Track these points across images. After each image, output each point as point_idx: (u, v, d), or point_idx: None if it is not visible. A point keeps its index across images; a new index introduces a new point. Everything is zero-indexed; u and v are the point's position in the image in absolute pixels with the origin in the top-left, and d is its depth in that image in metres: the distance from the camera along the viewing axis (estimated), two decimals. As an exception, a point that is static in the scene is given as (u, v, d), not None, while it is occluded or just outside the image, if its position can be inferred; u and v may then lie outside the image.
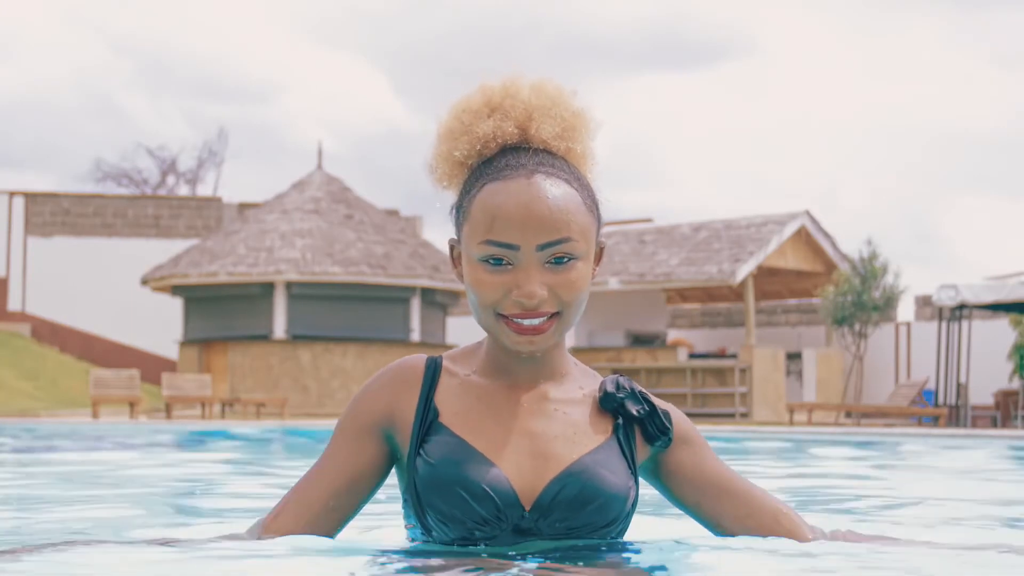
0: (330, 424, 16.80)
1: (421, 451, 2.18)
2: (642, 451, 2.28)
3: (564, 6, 64.88)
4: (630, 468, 2.23)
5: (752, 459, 8.74)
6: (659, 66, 70.89)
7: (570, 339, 25.84)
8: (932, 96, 66.10)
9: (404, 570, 2.11)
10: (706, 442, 2.34)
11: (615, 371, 22.66)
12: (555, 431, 2.20)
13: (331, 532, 2.25)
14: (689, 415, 18.74)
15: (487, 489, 2.13)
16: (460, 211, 2.20)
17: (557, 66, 68.50)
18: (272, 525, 2.24)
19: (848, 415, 23.74)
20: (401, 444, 2.24)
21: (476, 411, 2.21)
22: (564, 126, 2.22)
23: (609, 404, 2.24)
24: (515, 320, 2.12)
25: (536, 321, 2.12)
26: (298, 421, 18.59)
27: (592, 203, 2.20)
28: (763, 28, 66.41)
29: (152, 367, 30.45)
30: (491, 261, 2.12)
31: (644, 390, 2.29)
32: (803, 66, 68.70)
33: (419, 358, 2.27)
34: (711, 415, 22.95)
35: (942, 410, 19.80)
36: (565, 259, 2.12)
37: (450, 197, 2.27)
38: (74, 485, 5.42)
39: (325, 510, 2.22)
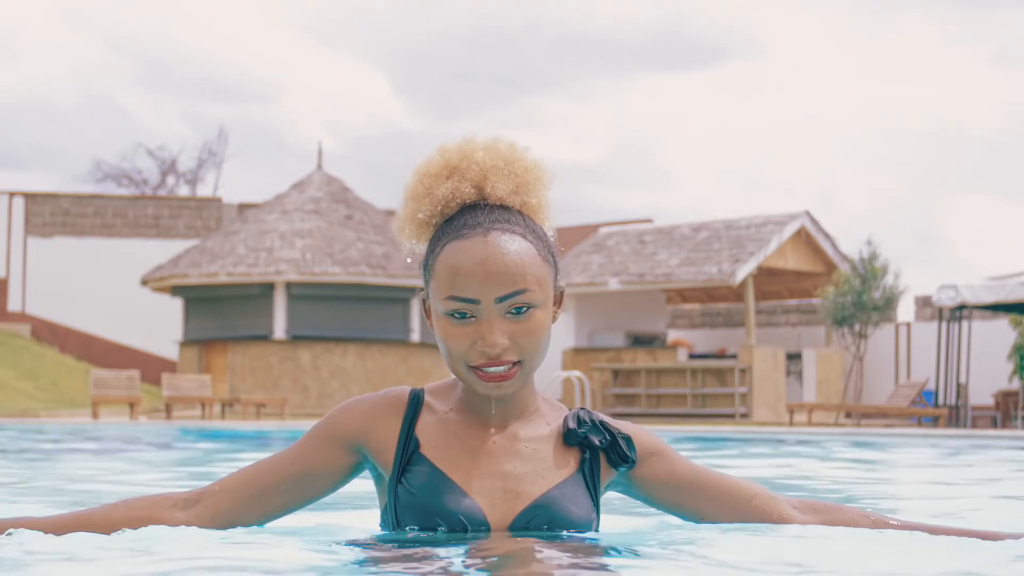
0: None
1: (403, 479, 2.35)
2: (608, 475, 2.46)
3: (564, 6, 64.90)
4: (592, 499, 2.41)
5: (751, 459, 8.75)
6: (659, 66, 70.89)
7: (571, 339, 25.85)
8: (932, 96, 66.11)
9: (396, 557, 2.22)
10: (672, 449, 2.51)
11: (615, 372, 22.51)
12: (524, 469, 2.37)
13: (274, 512, 2.43)
14: (689, 415, 18.69)
15: (462, 519, 2.30)
16: (427, 269, 2.37)
17: (557, 66, 68.45)
18: (221, 484, 2.42)
19: (848, 415, 23.74)
20: (381, 466, 2.40)
21: (453, 447, 2.37)
22: (518, 182, 2.38)
23: (572, 440, 2.42)
24: (483, 369, 2.28)
25: (501, 369, 2.28)
26: (298, 421, 18.59)
27: (547, 252, 2.36)
28: (763, 28, 66.43)
29: (152, 367, 30.46)
30: (456, 315, 2.28)
31: (605, 419, 2.46)
32: (803, 66, 68.71)
33: (403, 390, 2.44)
34: (711, 415, 22.96)
35: (942, 410, 19.80)
36: (524, 308, 2.28)
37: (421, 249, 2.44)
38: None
39: (275, 490, 2.40)
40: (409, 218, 2.40)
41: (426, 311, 2.39)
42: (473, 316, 2.27)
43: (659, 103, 71.75)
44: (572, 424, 2.42)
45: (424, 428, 2.38)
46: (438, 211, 2.36)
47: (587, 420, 2.43)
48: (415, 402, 2.41)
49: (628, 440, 2.44)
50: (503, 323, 2.26)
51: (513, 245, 2.29)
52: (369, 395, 2.44)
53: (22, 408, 23.82)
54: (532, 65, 68.23)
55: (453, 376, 2.41)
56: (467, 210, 2.35)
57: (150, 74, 65.19)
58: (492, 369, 2.27)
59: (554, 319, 2.35)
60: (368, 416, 2.39)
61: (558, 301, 2.40)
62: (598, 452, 2.43)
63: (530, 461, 2.37)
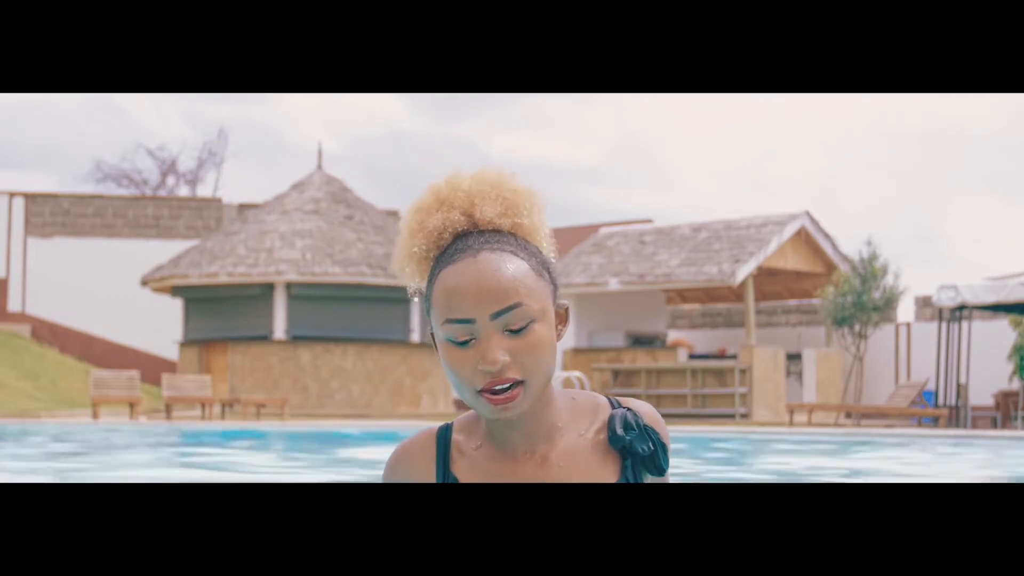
0: (329, 425, 16.87)
1: None
2: (647, 477, 2.49)
3: (564, 7, 64.63)
4: None
5: (752, 459, 8.75)
6: (659, 67, 70.64)
7: (571, 339, 25.84)
8: (932, 96, 66.05)
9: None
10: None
11: (615, 372, 22.39)
12: None
13: None
14: (689, 416, 18.77)
15: None
16: (427, 301, 2.39)
17: (557, 66, 68.51)
18: None
19: (848, 416, 23.74)
20: None
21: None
22: (507, 204, 2.40)
23: (616, 444, 2.41)
24: (489, 393, 2.28)
25: (505, 389, 2.28)
26: (298, 422, 18.59)
27: (542, 268, 2.37)
28: (763, 29, 66.21)
29: (152, 368, 30.46)
30: (456, 339, 2.30)
31: (650, 424, 2.43)
32: (803, 67, 68.51)
33: (431, 431, 2.47)
34: (711, 415, 22.95)
35: (942, 411, 19.80)
36: (523, 325, 2.28)
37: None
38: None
39: None
40: (406, 256, 2.43)
41: (436, 346, 2.39)
42: (473, 337, 2.28)
43: (659, 103, 71.75)
44: (619, 429, 2.40)
45: (458, 467, 2.42)
46: (432, 243, 2.39)
47: (634, 425, 2.42)
48: (444, 442, 2.45)
49: (665, 450, 2.44)
50: (502, 340, 2.27)
51: (504, 262, 2.31)
52: (398, 448, 2.49)
53: (22, 408, 23.82)
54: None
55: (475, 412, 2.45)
56: (459, 238, 2.38)
57: (150, 74, 65.05)
58: (497, 388, 2.27)
59: (559, 337, 2.34)
60: (403, 467, 2.46)
61: (562, 319, 2.38)
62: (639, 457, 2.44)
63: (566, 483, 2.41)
